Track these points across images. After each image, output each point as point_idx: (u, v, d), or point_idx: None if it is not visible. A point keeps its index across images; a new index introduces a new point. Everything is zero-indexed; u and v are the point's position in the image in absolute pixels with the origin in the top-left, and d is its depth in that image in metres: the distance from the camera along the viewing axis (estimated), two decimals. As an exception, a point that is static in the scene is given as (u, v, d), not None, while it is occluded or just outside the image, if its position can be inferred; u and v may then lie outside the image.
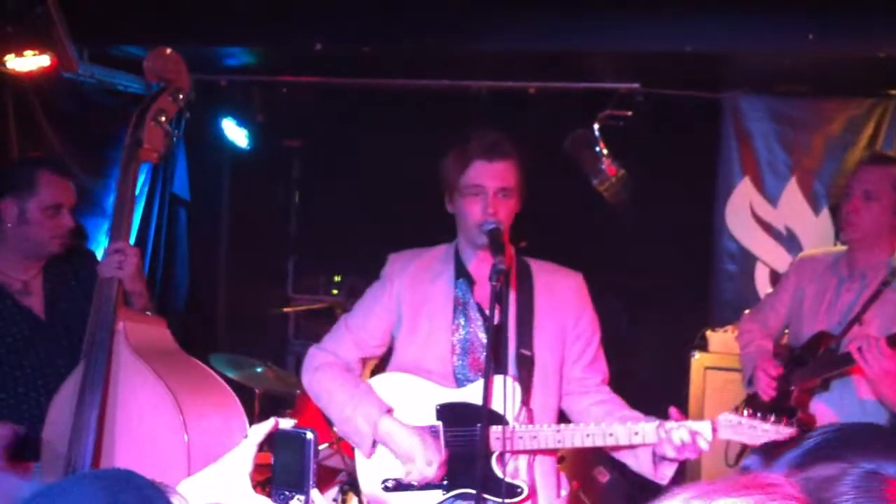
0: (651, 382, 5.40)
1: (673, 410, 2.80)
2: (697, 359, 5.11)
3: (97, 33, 4.82)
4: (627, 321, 5.72)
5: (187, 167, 5.86)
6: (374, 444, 2.97)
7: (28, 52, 4.33)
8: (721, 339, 5.17)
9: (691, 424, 2.75)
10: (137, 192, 5.55)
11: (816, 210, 5.43)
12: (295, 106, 5.92)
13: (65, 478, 1.88)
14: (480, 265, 3.02)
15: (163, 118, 3.06)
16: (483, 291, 3.00)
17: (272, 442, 1.78)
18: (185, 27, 4.73)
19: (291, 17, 4.76)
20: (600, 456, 4.54)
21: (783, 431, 2.75)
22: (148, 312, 3.08)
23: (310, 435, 1.72)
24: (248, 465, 1.76)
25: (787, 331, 3.84)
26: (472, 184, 2.95)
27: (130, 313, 2.99)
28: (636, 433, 2.79)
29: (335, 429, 3.11)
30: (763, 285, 5.52)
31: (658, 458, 2.84)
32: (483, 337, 3.00)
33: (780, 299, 3.85)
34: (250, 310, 6.24)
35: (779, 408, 3.39)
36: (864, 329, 3.35)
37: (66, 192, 3.31)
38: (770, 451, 1.40)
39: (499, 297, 2.80)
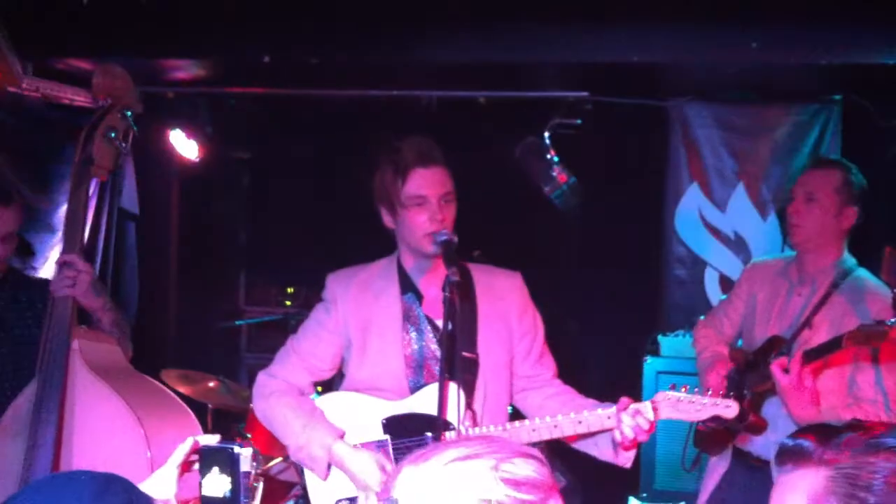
0: (604, 387, 5.40)
1: (623, 399, 2.81)
2: (649, 363, 5.16)
3: (42, 47, 4.74)
4: (579, 328, 5.75)
5: (136, 180, 5.78)
6: (329, 468, 2.95)
7: (-30, 68, 4.26)
8: (673, 344, 5.23)
9: (632, 406, 2.77)
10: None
11: (764, 215, 5.51)
12: (243, 118, 5.88)
13: (54, 474, 1.84)
14: (426, 277, 3.02)
15: (112, 135, 3.03)
16: (431, 303, 3.00)
17: (199, 460, 1.73)
18: (131, 39, 4.67)
19: (239, 28, 4.72)
20: (555, 462, 4.56)
21: (722, 403, 2.78)
22: (108, 329, 3.06)
23: (237, 449, 1.67)
24: (171, 489, 1.71)
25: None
26: (415, 194, 2.92)
27: (85, 332, 2.96)
28: (580, 422, 2.79)
29: (291, 455, 3.07)
30: (713, 290, 5.59)
31: (614, 445, 2.86)
32: (435, 348, 2.99)
33: (733, 305, 3.91)
34: (202, 323, 6.17)
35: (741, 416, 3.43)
36: (814, 333, 3.41)
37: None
38: (827, 433, 1.49)
39: (452, 307, 2.81)
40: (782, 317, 3.60)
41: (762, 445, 3.52)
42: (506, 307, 3.08)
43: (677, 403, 2.79)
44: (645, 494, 4.94)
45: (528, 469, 1.45)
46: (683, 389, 2.80)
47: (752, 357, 3.63)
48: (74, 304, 2.90)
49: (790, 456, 1.51)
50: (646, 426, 2.75)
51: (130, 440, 2.72)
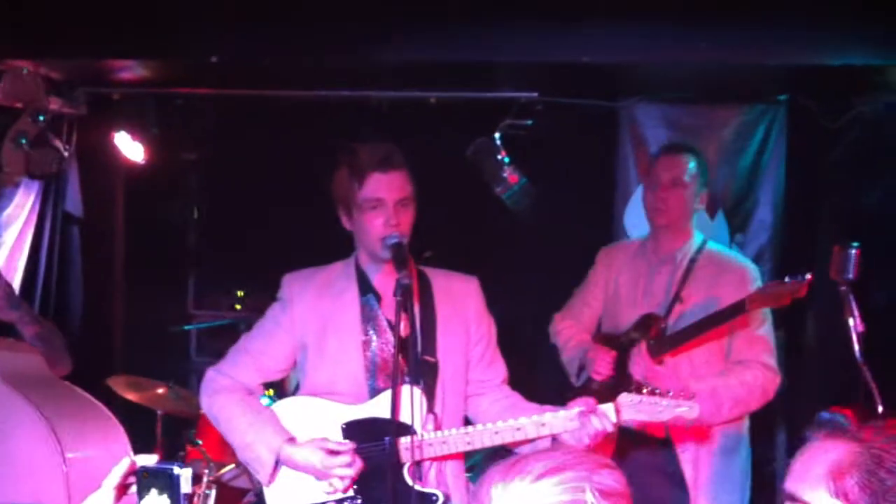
0: (555, 385, 5.44)
1: (586, 399, 2.84)
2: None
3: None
4: (529, 327, 5.76)
5: (80, 183, 5.67)
6: (275, 472, 2.92)
7: None
8: (623, 342, 5.26)
9: (596, 409, 2.80)
10: (28, 211, 5.39)
11: (711, 214, 5.56)
12: (191, 118, 5.79)
13: None
14: (385, 279, 3.01)
15: (23, 140, 2.95)
16: (390, 306, 2.98)
17: (136, 482, 1.67)
18: (74, 40, 4.57)
19: (185, 28, 4.65)
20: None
21: (684, 404, 2.82)
22: (30, 341, 2.97)
23: (177, 470, 1.62)
24: None
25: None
26: (372, 197, 2.92)
27: (0, 342, 2.88)
28: (543, 424, 2.81)
29: (237, 454, 3.03)
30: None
31: (557, 446, 2.88)
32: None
33: (591, 293, 4.12)
34: (150, 329, 6.07)
35: (616, 389, 3.59)
36: (685, 305, 3.60)
37: None
38: (867, 414, 1.54)
39: (405, 310, 2.80)
40: (648, 296, 3.79)
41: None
42: (464, 311, 3.09)
43: (639, 405, 2.83)
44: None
45: (614, 479, 1.48)
46: (646, 391, 2.83)
47: (627, 337, 3.82)
48: None
49: (825, 427, 1.56)
50: (610, 428, 2.78)
51: (44, 454, 2.65)
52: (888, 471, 1.45)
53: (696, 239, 3.85)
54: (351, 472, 2.84)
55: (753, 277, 3.77)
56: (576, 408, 2.81)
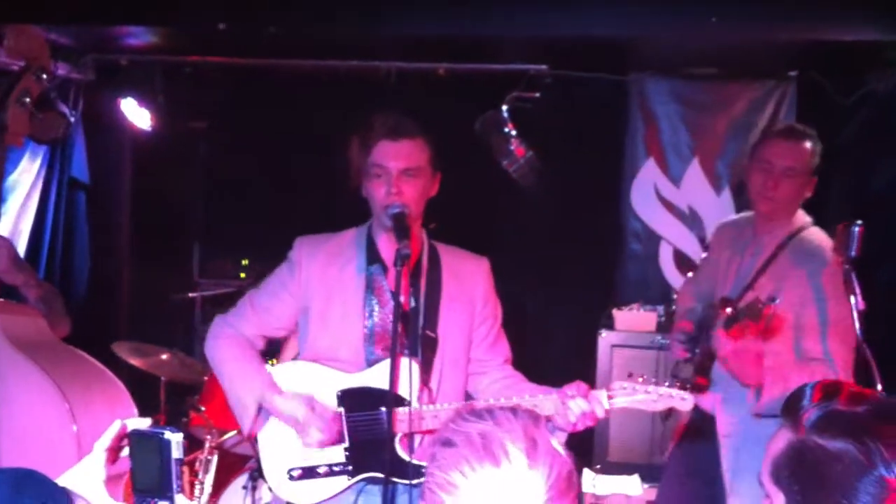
0: (560, 360, 5.47)
1: (579, 384, 2.84)
2: (604, 337, 5.20)
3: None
4: (537, 301, 5.77)
5: (86, 150, 5.67)
6: (258, 420, 2.94)
7: None
8: (627, 318, 5.27)
9: (588, 393, 2.80)
10: (34, 176, 5.39)
11: (718, 190, 5.55)
12: (199, 87, 5.77)
13: None
14: (391, 249, 3.00)
15: (27, 99, 2.93)
16: (394, 276, 2.98)
17: (129, 445, 1.67)
18: (83, 5, 4.55)
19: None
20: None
21: (678, 395, 2.82)
22: (34, 304, 2.98)
23: (168, 435, 1.60)
24: (100, 475, 1.65)
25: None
26: (376, 164, 2.92)
27: (4, 305, 2.87)
28: (535, 405, 2.82)
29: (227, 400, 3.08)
30: (668, 264, 5.63)
31: (552, 428, 2.88)
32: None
33: (708, 262, 3.97)
34: (155, 296, 6.08)
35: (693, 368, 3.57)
36: (756, 294, 3.44)
37: None
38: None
39: (410, 281, 2.79)
40: (736, 277, 3.65)
41: (709, 403, 3.59)
42: (471, 291, 3.08)
43: (633, 393, 2.83)
44: (599, 466, 4.99)
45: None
46: (640, 379, 2.83)
47: (707, 317, 3.68)
48: None
49: (784, 414, 1.56)
50: (601, 414, 2.80)
51: (55, 415, 2.67)
52: (812, 464, 1.44)
53: (794, 223, 3.57)
54: (322, 437, 2.87)
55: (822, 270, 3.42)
56: (568, 391, 2.82)
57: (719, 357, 3.35)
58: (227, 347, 3.06)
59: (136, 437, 1.65)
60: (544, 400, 2.83)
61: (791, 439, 1.49)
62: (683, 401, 2.82)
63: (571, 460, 1.52)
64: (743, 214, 3.96)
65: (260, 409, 2.97)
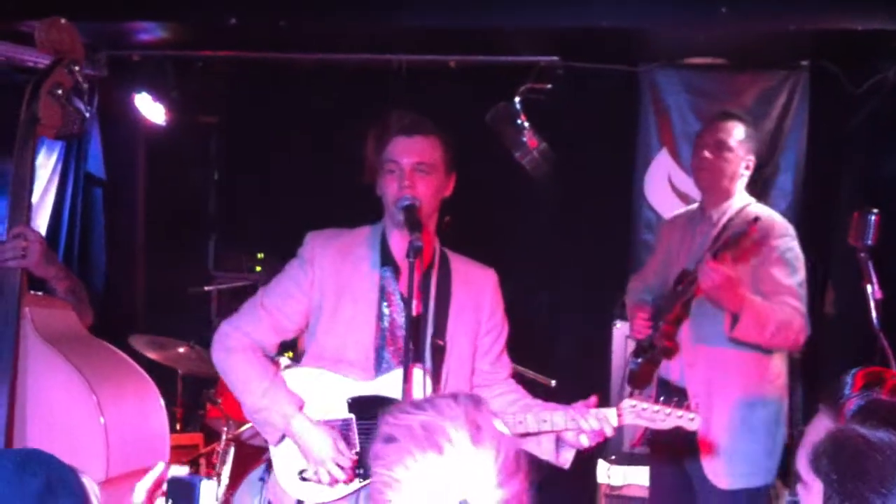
0: (575, 351, 5.48)
1: (588, 402, 2.87)
2: (619, 328, 5.20)
3: (4, 9, 4.65)
4: (548, 297, 5.78)
5: (101, 145, 5.71)
6: (283, 437, 2.95)
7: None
8: (641, 307, 5.27)
9: (597, 411, 2.83)
10: (50, 171, 5.44)
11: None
12: (211, 81, 5.81)
13: None
14: (403, 246, 2.96)
15: (59, 91, 2.92)
16: (406, 279, 2.99)
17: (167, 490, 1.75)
18: (96, 2, 4.58)
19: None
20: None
21: (686, 416, 2.86)
22: (63, 297, 3.00)
23: (202, 483, 1.68)
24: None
25: None
26: (389, 159, 2.92)
27: (36, 299, 2.89)
28: (544, 421, 2.86)
29: (245, 413, 3.05)
30: (680, 254, 5.63)
31: (560, 444, 2.92)
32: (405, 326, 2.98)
33: (655, 257, 4.25)
34: (171, 289, 6.13)
35: (652, 344, 3.87)
36: (717, 262, 3.60)
37: None
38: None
39: (421, 287, 2.79)
40: (689, 254, 3.88)
41: (678, 373, 3.83)
42: (479, 300, 3.08)
43: (641, 412, 2.89)
44: (613, 457, 5.00)
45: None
46: (650, 400, 2.88)
47: (665, 294, 3.92)
48: (24, 274, 2.83)
49: (823, 401, 1.58)
50: (609, 432, 2.83)
51: (83, 409, 2.67)
52: (852, 453, 1.45)
53: (738, 201, 3.88)
54: (342, 476, 2.88)
55: (780, 234, 3.76)
56: (578, 409, 2.85)
57: (706, 288, 3.53)
58: (247, 363, 2.97)
59: (173, 484, 1.72)
60: (553, 416, 2.86)
61: (831, 428, 1.50)
62: (691, 421, 2.87)
63: (516, 442, 1.52)
64: (687, 206, 4.32)
65: None
